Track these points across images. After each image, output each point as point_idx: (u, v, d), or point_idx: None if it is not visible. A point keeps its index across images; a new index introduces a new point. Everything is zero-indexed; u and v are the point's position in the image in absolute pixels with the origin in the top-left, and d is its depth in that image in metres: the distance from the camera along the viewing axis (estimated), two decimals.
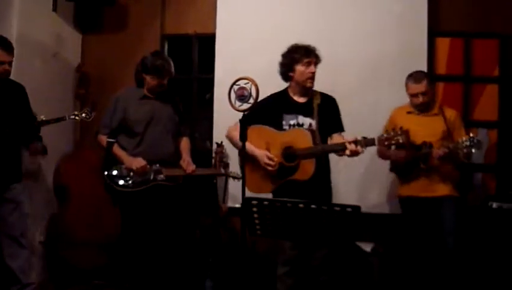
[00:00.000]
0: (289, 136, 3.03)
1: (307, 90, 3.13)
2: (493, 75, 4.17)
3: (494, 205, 3.66)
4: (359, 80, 4.03)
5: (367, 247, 3.76)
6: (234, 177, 3.64)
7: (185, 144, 3.54)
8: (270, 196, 3.11)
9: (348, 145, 2.81)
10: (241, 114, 2.58)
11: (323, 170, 3.09)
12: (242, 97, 2.65)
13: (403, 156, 3.34)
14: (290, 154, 2.99)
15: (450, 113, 3.49)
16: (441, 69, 4.17)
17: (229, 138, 3.27)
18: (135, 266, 3.33)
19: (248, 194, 2.67)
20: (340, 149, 2.88)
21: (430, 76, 3.62)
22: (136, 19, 4.51)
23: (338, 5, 4.16)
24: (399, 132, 2.74)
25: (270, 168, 3.00)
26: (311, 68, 3.06)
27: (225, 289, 3.70)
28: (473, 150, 3.16)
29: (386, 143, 2.77)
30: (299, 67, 3.07)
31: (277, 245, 3.27)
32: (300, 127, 3.06)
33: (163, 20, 4.48)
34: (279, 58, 4.02)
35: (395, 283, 3.60)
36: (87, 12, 4.47)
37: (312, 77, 3.07)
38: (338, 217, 2.27)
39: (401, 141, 2.73)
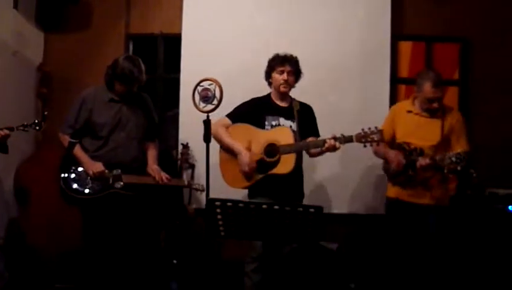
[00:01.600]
0: (273, 134, 3.22)
1: (284, 96, 3.34)
2: (453, 78, 4.29)
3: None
4: (322, 81, 4.07)
5: (332, 247, 3.81)
6: (197, 190, 3.62)
7: (152, 150, 3.47)
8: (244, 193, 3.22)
9: (327, 140, 3.00)
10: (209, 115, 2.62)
11: (297, 169, 3.23)
12: (206, 98, 2.65)
13: (396, 162, 3.28)
14: (272, 151, 3.16)
15: (454, 117, 3.38)
16: (404, 72, 4.26)
17: (215, 136, 3.28)
18: (98, 270, 3.27)
19: (212, 195, 2.68)
20: (321, 145, 3.05)
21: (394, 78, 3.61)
22: (101, 18, 4.43)
23: (302, 8, 4.19)
24: (375, 131, 2.93)
25: (247, 169, 3.15)
26: (284, 76, 3.26)
27: None
28: (458, 168, 3.09)
29: (362, 140, 2.95)
30: (274, 74, 3.30)
31: (244, 244, 3.30)
32: (282, 126, 3.25)
33: (128, 19, 4.42)
34: (244, 60, 4.06)
35: (361, 283, 3.65)
36: (49, 10, 4.35)
37: (284, 84, 3.26)
38: (301, 218, 2.30)
39: (375, 139, 2.93)
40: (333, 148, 3.01)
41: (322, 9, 4.18)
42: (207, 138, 2.59)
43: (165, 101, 4.47)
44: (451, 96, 4.27)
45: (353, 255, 3.85)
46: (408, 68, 4.24)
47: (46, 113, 3.24)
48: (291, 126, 3.25)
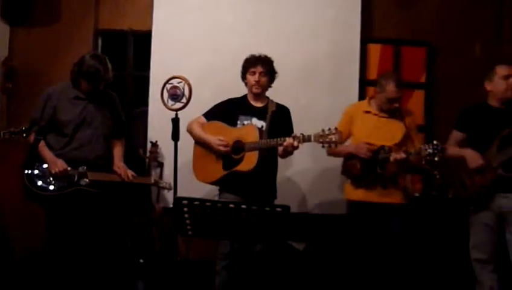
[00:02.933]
0: (240, 131, 3.24)
1: (260, 96, 3.35)
2: (420, 81, 4.39)
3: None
4: (293, 82, 4.10)
5: (299, 246, 3.84)
6: (164, 188, 3.60)
7: (118, 148, 3.44)
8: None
9: (287, 139, 3.01)
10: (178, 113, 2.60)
11: (269, 168, 3.26)
12: (175, 96, 2.64)
13: (366, 148, 3.31)
14: (238, 148, 3.17)
15: (410, 116, 3.48)
16: (372, 74, 4.31)
17: (189, 132, 3.31)
18: (61, 269, 3.21)
19: (180, 193, 2.67)
20: (280, 143, 3.06)
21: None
22: (69, 13, 4.33)
23: (273, 8, 4.21)
24: (334, 131, 2.93)
25: (222, 148, 3.17)
26: (255, 77, 3.26)
27: None
28: (436, 158, 3.14)
29: (320, 140, 2.94)
30: (247, 76, 3.32)
31: (212, 243, 3.31)
32: (249, 124, 3.26)
33: (98, 14, 4.35)
34: (215, 58, 4.05)
35: (328, 282, 3.69)
36: (15, 4, 4.25)
37: (256, 85, 3.27)
38: (268, 217, 2.31)
39: (334, 139, 2.92)
40: (292, 147, 3.03)
41: (293, 11, 4.20)
42: (175, 136, 2.58)
43: (134, 99, 4.42)
44: (418, 99, 4.38)
45: (321, 254, 3.88)
46: (377, 70, 4.30)
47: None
48: (262, 126, 3.25)
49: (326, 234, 3.99)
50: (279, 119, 3.31)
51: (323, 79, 4.18)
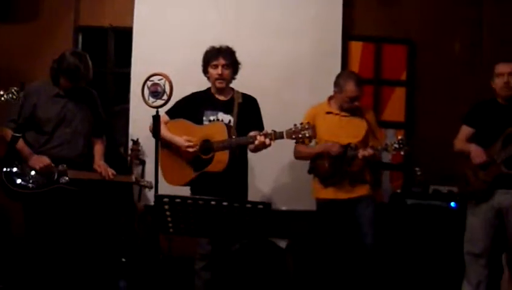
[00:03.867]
0: (207, 129, 3.13)
1: (222, 90, 3.23)
2: (401, 79, 4.43)
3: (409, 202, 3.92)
4: (275, 80, 4.11)
5: (282, 243, 3.85)
6: (145, 187, 3.57)
7: (99, 146, 3.40)
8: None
9: (258, 137, 2.91)
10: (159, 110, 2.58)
11: (240, 166, 3.17)
12: (155, 93, 2.61)
13: (337, 146, 3.34)
14: (207, 147, 3.07)
15: (370, 113, 3.56)
16: (354, 71, 4.34)
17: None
18: (41, 267, 3.17)
19: (161, 191, 2.65)
20: (251, 141, 2.97)
21: None
22: (49, 9, 4.27)
23: (255, 5, 4.20)
24: (306, 126, 2.85)
25: (190, 149, 3.07)
26: (218, 70, 3.15)
27: (139, 289, 3.63)
28: (402, 152, 3.25)
29: (293, 136, 2.87)
30: (209, 69, 3.20)
31: (194, 240, 3.28)
32: (218, 121, 3.15)
33: (78, 11, 4.28)
34: (197, 55, 4.01)
35: (309, 279, 3.71)
36: None
37: (220, 78, 3.16)
38: (250, 214, 2.31)
39: (307, 135, 2.84)
40: (263, 145, 2.93)
41: (275, 9, 4.20)
42: (156, 134, 2.55)
43: (115, 96, 4.38)
44: (399, 96, 4.42)
45: (302, 251, 3.90)
46: (358, 68, 4.32)
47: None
48: (230, 120, 3.15)
49: (299, 231, 4.01)
50: (247, 112, 3.19)
51: (305, 76, 4.19)
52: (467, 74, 4.42)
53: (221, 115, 3.18)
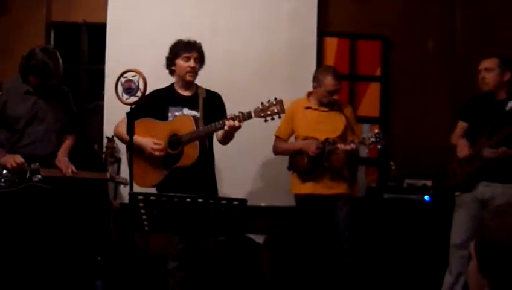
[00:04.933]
0: (173, 124, 3.08)
1: (189, 84, 3.19)
2: (376, 74, 4.47)
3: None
4: (251, 76, 4.10)
5: (259, 239, 3.85)
6: (120, 183, 3.53)
7: (67, 142, 3.33)
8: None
9: (226, 122, 2.87)
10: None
11: (207, 160, 3.13)
12: (129, 90, 2.58)
13: (314, 146, 3.32)
14: (175, 142, 3.02)
15: (348, 108, 3.58)
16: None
17: (117, 135, 3.22)
18: (15, 268, 3.12)
19: (136, 189, 2.63)
20: (220, 127, 2.91)
21: None
22: (19, 4, 4.16)
23: (231, 2, 4.19)
24: (274, 102, 2.81)
25: (157, 153, 3.00)
26: (190, 63, 3.11)
27: (116, 289, 3.59)
28: (379, 146, 3.27)
29: (262, 114, 2.82)
30: (179, 61, 3.13)
31: (171, 237, 3.25)
32: (183, 114, 3.10)
33: (50, 6, 4.20)
34: None
35: (286, 275, 3.72)
36: None
37: (191, 72, 3.12)
38: (225, 210, 2.31)
39: (276, 110, 2.80)
40: (234, 128, 2.86)
41: (251, 5, 4.20)
42: (130, 131, 2.53)
43: (89, 93, 4.32)
44: (374, 91, 4.46)
45: (280, 247, 3.91)
46: (333, 64, 4.32)
47: None
48: (195, 116, 3.09)
49: (278, 227, 4.03)
50: (212, 107, 3.15)
51: (280, 72, 4.19)
52: (440, 70, 4.50)
53: (187, 111, 3.13)
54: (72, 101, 3.39)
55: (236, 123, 2.84)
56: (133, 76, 2.60)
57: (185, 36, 3.73)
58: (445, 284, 3.32)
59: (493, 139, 3.09)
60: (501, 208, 1.10)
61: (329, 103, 3.47)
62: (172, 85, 3.24)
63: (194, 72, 3.13)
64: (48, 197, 3.14)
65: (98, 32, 4.17)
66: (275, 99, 2.81)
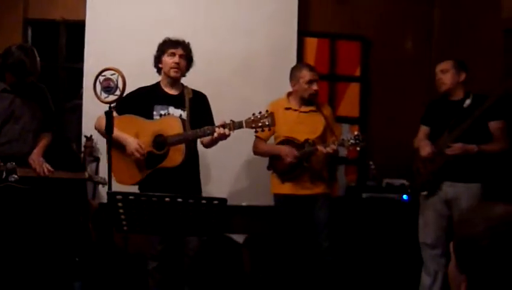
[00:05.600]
0: (160, 124, 3.04)
1: (175, 82, 3.17)
2: (355, 75, 4.51)
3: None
4: (232, 75, 4.10)
5: (239, 239, 3.86)
6: (99, 183, 3.49)
7: (43, 141, 3.27)
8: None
9: (216, 129, 2.86)
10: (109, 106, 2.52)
11: (192, 161, 3.12)
12: (108, 88, 2.55)
13: (292, 156, 3.33)
14: (160, 142, 2.99)
15: (327, 108, 3.60)
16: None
17: (98, 129, 3.15)
18: None
19: (116, 187, 2.61)
20: (209, 133, 2.90)
21: None
22: None
23: (212, 1, 4.18)
24: (265, 115, 2.83)
25: (137, 155, 2.96)
26: (175, 58, 3.09)
27: (95, 289, 3.55)
28: (358, 148, 3.29)
29: (253, 125, 2.84)
30: (165, 58, 3.12)
31: (151, 237, 3.23)
32: (171, 115, 3.08)
33: (27, 3, 4.13)
34: (152, 50, 3.94)
35: (266, 275, 3.73)
36: None
37: (176, 67, 3.09)
38: (205, 210, 2.30)
39: (267, 123, 2.82)
40: (223, 136, 2.87)
41: (231, 5, 4.19)
42: (109, 130, 2.50)
43: (68, 92, 4.26)
44: (353, 91, 4.50)
45: (260, 246, 3.92)
46: (313, 64, 4.31)
47: None
48: (181, 115, 3.08)
49: (259, 227, 4.03)
50: (198, 107, 3.13)
51: (261, 72, 4.20)
52: (418, 71, 4.56)
53: (172, 110, 3.10)
54: (50, 100, 3.34)
55: (227, 131, 2.84)
56: (111, 74, 2.57)
57: (166, 35, 3.71)
58: (423, 285, 3.36)
59: (453, 134, 3.15)
60: (476, 205, 1.13)
61: (309, 101, 3.48)
62: (158, 83, 3.21)
63: (179, 68, 3.10)
64: (24, 198, 3.09)
65: (76, 30, 4.11)
66: (267, 111, 2.85)
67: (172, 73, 3.10)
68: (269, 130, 2.94)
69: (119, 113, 3.06)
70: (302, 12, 4.31)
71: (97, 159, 3.85)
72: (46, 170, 3.15)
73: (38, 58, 3.09)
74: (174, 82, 3.16)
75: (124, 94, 2.62)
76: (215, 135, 2.86)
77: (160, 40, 4.01)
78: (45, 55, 3.17)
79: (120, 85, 2.54)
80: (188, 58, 3.15)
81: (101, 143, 3.80)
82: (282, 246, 3.56)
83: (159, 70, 3.19)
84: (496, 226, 1.02)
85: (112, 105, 2.55)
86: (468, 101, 3.21)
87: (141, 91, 3.16)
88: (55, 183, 3.24)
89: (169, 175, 2.97)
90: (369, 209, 3.99)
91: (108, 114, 2.47)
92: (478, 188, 3.18)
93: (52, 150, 3.36)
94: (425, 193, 3.33)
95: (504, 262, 1.00)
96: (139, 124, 3.04)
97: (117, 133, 2.96)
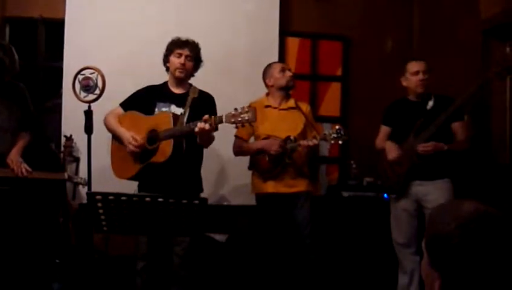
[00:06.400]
0: (154, 119, 3.05)
1: (181, 81, 3.19)
2: (336, 74, 4.54)
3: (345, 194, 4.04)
4: (213, 75, 4.05)
5: (220, 238, 3.85)
6: (79, 183, 3.44)
7: (21, 141, 3.21)
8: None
9: (198, 124, 2.83)
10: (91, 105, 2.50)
11: (191, 159, 3.11)
12: (87, 88, 2.54)
13: (277, 144, 3.33)
14: (153, 138, 2.99)
15: (305, 106, 3.61)
16: (291, 67, 4.36)
17: (106, 125, 3.12)
18: None
19: (95, 188, 2.58)
20: (192, 128, 2.87)
21: None
22: None
23: (193, 0, 4.17)
24: (246, 109, 2.79)
25: (132, 147, 2.96)
26: (181, 59, 3.11)
27: None
28: (340, 142, 3.28)
29: (232, 120, 2.80)
30: (172, 58, 3.14)
31: (132, 238, 3.21)
32: (164, 111, 3.08)
33: (5, 0, 4.08)
34: (133, 49, 3.91)
35: (248, 274, 3.73)
36: None
37: (181, 68, 3.11)
38: (186, 210, 2.29)
39: (247, 118, 2.78)
40: (204, 130, 2.81)
41: (213, 3, 4.19)
42: (88, 130, 2.48)
43: (47, 91, 4.20)
44: (334, 91, 4.53)
45: (242, 246, 3.92)
46: (295, 63, 4.39)
47: None
48: (181, 113, 3.08)
49: (241, 226, 4.03)
50: (201, 107, 3.10)
51: (242, 71, 4.20)
52: (397, 70, 4.58)
53: (174, 108, 3.11)
54: (29, 99, 3.29)
55: (207, 126, 2.80)
56: (91, 73, 2.55)
57: (146, 33, 3.70)
58: (400, 285, 3.40)
59: (421, 137, 3.18)
60: (446, 203, 1.15)
61: (288, 94, 3.51)
62: (165, 82, 3.24)
63: (184, 69, 3.11)
64: (2, 199, 3.04)
65: (55, 28, 4.06)
66: (249, 106, 2.81)
67: (177, 73, 3.12)
68: (250, 125, 2.90)
69: (125, 109, 3.11)
70: (283, 12, 4.33)
71: (77, 160, 3.81)
72: (24, 170, 3.10)
73: (16, 57, 3.05)
74: (180, 82, 3.19)
75: (104, 93, 2.60)
76: (196, 129, 2.83)
77: (142, 38, 4.01)
78: (24, 53, 3.13)
79: (100, 84, 2.53)
80: (195, 59, 3.16)
81: (81, 143, 3.75)
82: (264, 245, 3.56)
83: (167, 69, 3.21)
84: (466, 223, 1.04)
85: (92, 104, 2.52)
86: (431, 103, 3.27)
87: (147, 89, 3.20)
88: (34, 183, 3.19)
89: (166, 171, 2.96)
90: (350, 208, 4.02)
91: (87, 114, 2.45)
92: (447, 183, 3.24)
93: (31, 150, 3.31)
94: (394, 195, 3.38)
95: (475, 258, 1.02)
96: (137, 120, 3.07)
97: (115, 127, 3.01)
